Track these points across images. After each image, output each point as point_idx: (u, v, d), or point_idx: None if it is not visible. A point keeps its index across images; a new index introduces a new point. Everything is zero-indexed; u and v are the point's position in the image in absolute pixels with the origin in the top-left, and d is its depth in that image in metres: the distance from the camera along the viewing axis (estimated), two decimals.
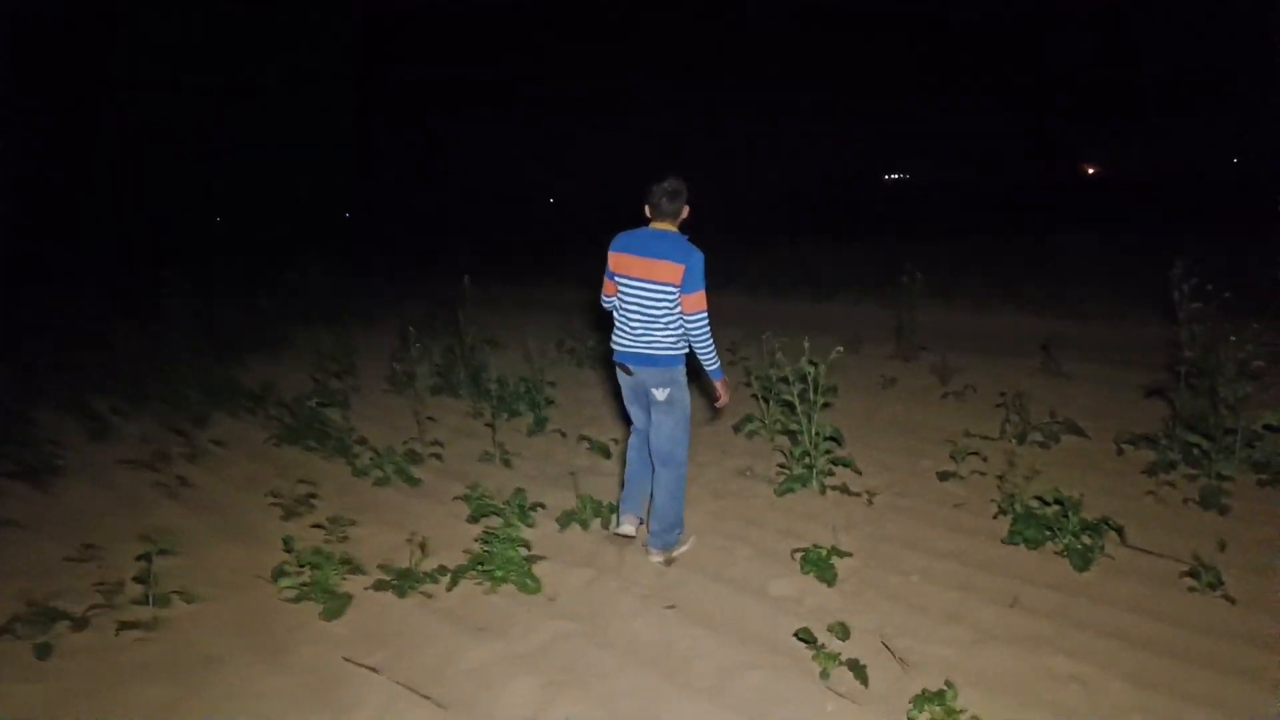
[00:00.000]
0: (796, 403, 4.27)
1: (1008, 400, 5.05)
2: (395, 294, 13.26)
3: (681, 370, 3.30)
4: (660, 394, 3.26)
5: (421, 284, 14.39)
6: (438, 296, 12.13)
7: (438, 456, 4.91)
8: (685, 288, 3.09)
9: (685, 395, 3.33)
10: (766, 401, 5.15)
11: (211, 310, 9.13)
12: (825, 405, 4.34)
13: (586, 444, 5.05)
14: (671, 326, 3.19)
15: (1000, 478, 4.02)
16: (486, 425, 5.23)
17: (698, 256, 3.10)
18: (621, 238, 3.25)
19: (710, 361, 3.26)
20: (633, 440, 3.60)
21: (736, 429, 5.33)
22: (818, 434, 4.22)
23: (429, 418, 5.29)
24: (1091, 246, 13.43)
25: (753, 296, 12.81)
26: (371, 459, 4.63)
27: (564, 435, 5.34)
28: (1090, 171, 48.01)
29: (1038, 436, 4.85)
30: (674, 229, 3.21)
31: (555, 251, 17.95)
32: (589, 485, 4.36)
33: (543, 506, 4.06)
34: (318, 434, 5.04)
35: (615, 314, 3.35)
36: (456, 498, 4.14)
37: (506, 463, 4.82)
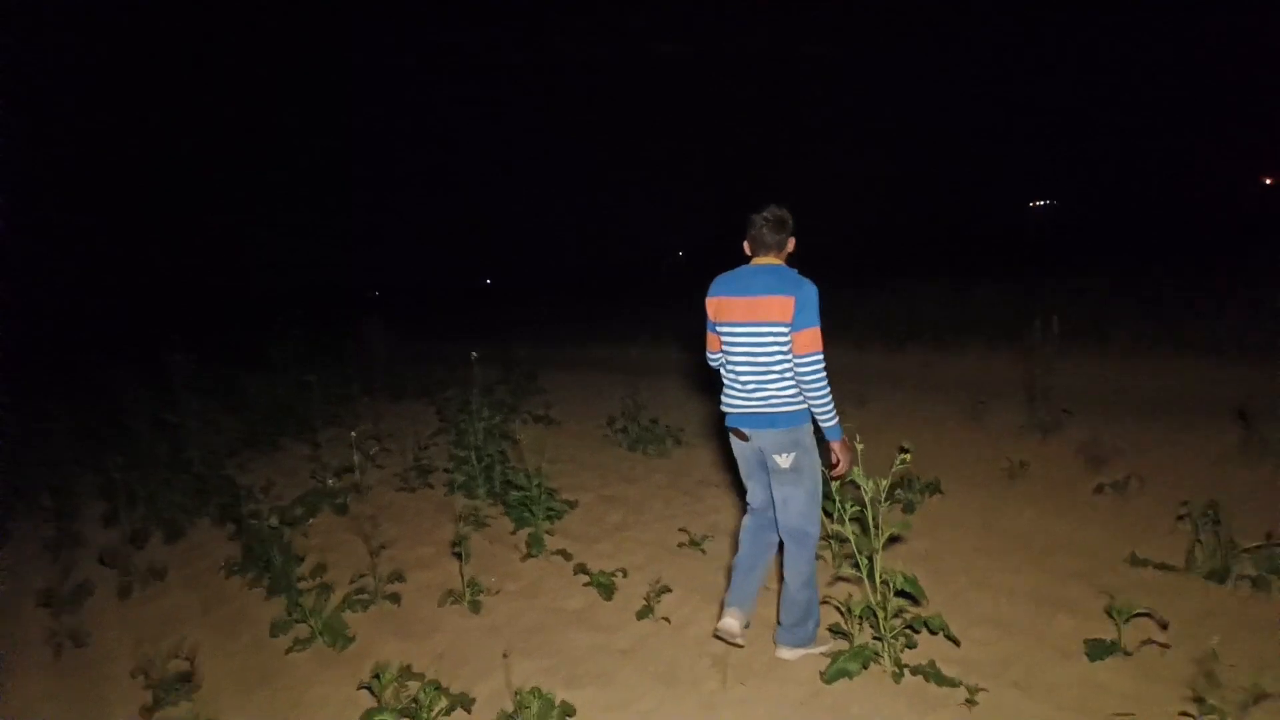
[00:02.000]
0: (849, 535, 2.85)
1: (1192, 509, 3.40)
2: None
3: (807, 429, 2.79)
4: (784, 460, 2.78)
5: (507, 346, 13.86)
6: (513, 361, 11.47)
7: (392, 599, 3.81)
8: (796, 324, 2.65)
9: (815, 459, 2.84)
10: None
11: (249, 386, 8.70)
12: (892, 541, 2.90)
13: (585, 577, 3.81)
14: (788, 376, 2.73)
15: (1198, 662, 2.46)
16: (476, 537, 4.13)
17: (810, 288, 2.68)
18: (719, 281, 2.85)
19: (827, 416, 2.76)
20: (748, 522, 3.07)
21: None
22: (884, 583, 2.79)
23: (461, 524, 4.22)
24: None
25: (861, 350, 11.21)
26: (298, 610, 3.59)
27: (568, 558, 4.14)
28: (1268, 183, 42.22)
29: (1248, 570, 3.18)
30: (780, 262, 2.81)
31: (668, 306, 17.01)
32: (562, 649, 3.14)
33: (467, 708, 2.83)
34: (262, 564, 4.10)
35: (723, 371, 2.92)
36: (363, 685, 2.98)
37: (475, 606, 3.66)
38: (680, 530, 4.32)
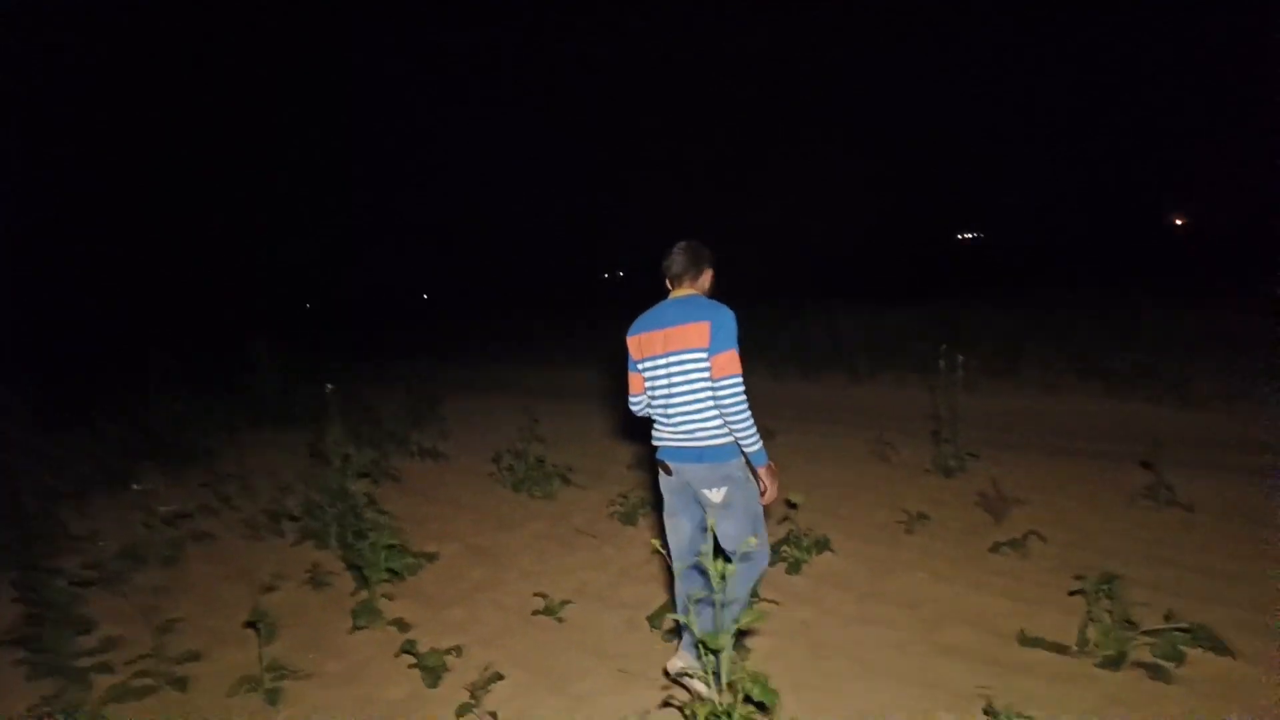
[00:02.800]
0: (692, 626, 2.40)
1: (1087, 584, 3.08)
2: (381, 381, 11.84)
3: (738, 464, 2.67)
4: (714, 495, 2.65)
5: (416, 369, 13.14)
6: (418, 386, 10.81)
7: (177, 685, 3.20)
8: (713, 348, 2.58)
9: (749, 490, 2.70)
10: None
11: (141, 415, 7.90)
12: (742, 635, 2.47)
13: (411, 658, 3.26)
14: (713, 406, 2.62)
15: None
16: (311, 600, 3.53)
17: (726, 312, 2.62)
18: (638, 320, 2.79)
19: (750, 440, 2.62)
20: (679, 587, 2.87)
21: (651, 621, 3.49)
22: (730, 685, 2.34)
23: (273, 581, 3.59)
24: (1191, 310, 11.03)
25: (778, 377, 10.99)
26: (55, 700, 2.95)
27: (404, 629, 3.59)
28: (1178, 223, 44.33)
29: (1145, 656, 2.86)
30: (696, 293, 2.75)
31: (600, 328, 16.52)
32: None
33: None
34: (33, 639, 3.43)
35: (650, 408, 2.81)
36: None
37: (272, 697, 3.07)
38: (537, 595, 3.82)
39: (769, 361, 11.20)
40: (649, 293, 2.95)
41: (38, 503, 5.52)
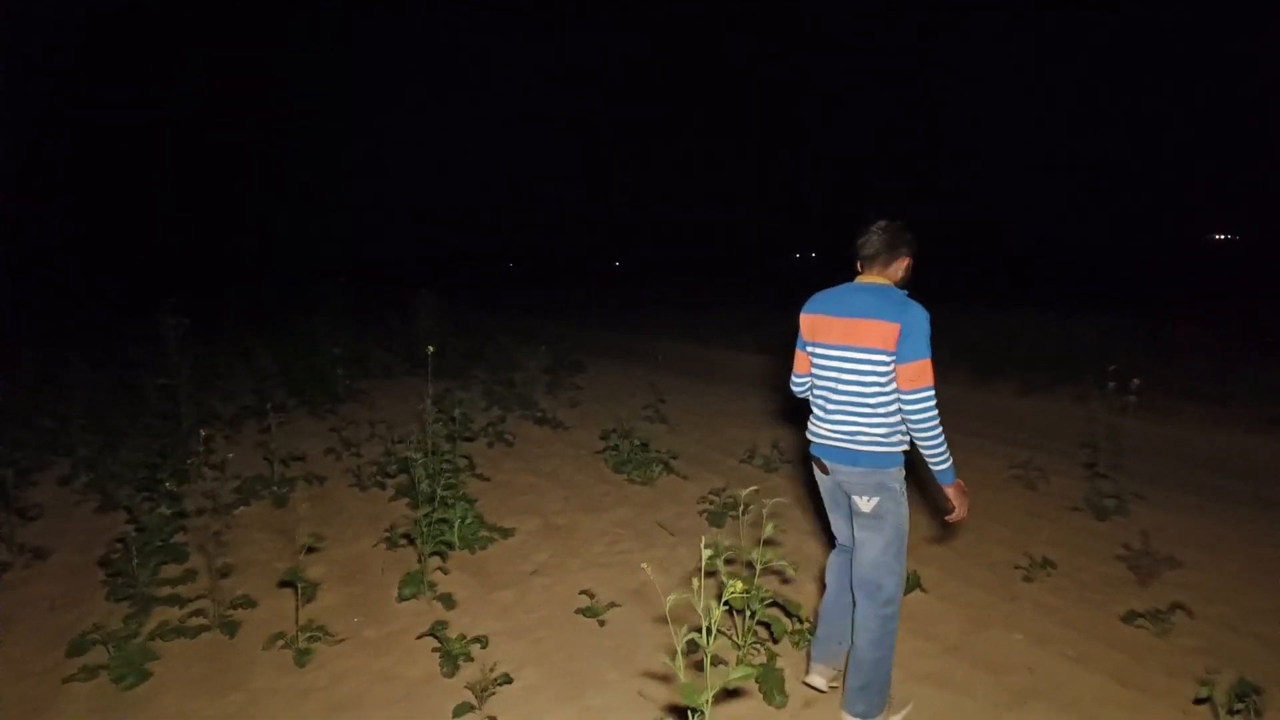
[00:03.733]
0: (679, 673, 2.11)
1: (1215, 694, 2.42)
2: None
3: (896, 473, 2.47)
4: (865, 503, 2.47)
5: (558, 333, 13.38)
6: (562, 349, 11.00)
7: (228, 629, 3.34)
8: (902, 355, 2.34)
9: (901, 507, 2.49)
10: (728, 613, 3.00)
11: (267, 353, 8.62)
12: (729, 695, 2.15)
13: (435, 641, 3.19)
14: (882, 411, 2.42)
15: None
16: (383, 559, 3.58)
17: (919, 313, 2.35)
18: (817, 297, 2.56)
19: (939, 458, 2.42)
20: (833, 559, 2.78)
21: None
22: None
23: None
24: None
25: (943, 378, 9.97)
26: (100, 630, 3.15)
27: (450, 606, 3.55)
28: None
29: None
30: (887, 283, 2.49)
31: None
32: None
33: None
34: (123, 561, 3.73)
35: (811, 396, 2.63)
36: None
37: (301, 658, 3.11)
38: (583, 593, 3.64)
39: (940, 361, 10.25)
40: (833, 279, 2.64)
41: (193, 426, 6.11)
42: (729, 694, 2.84)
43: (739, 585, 3.03)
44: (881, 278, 2.51)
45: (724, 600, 2.82)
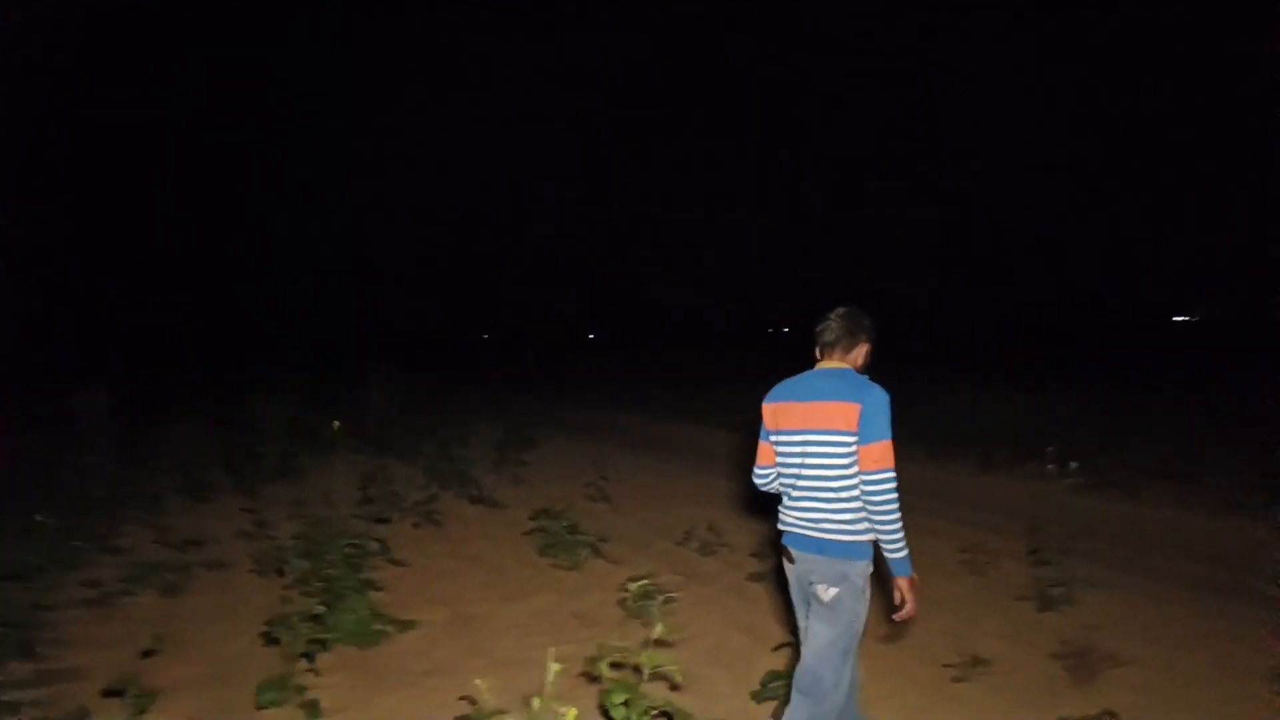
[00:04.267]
0: None
1: None
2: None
3: (863, 567, 2.38)
4: (824, 592, 2.38)
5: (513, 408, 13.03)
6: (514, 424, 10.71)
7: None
8: (864, 436, 2.29)
9: (859, 604, 2.38)
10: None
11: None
12: None
13: None
14: (845, 496, 2.35)
15: None
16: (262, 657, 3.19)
17: (879, 394, 2.33)
18: (779, 386, 2.57)
19: (896, 545, 2.32)
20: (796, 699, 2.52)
21: None
22: None
23: None
24: None
25: (901, 457, 9.73)
26: None
27: (311, 714, 3.18)
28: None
29: None
30: (847, 366, 2.48)
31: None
32: None
33: None
34: None
35: (779, 485, 2.60)
36: None
37: None
38: (463, 698, 3.29)
39: (902, 437, 10.02)
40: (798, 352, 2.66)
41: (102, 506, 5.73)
42: None
43: (620, 695, 2.72)
44: (842, 363, 2.50)
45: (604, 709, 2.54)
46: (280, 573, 4.91)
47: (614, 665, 3.11)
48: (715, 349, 31.03)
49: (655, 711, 2.70)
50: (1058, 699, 3.31)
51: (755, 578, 4.90)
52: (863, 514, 2.35)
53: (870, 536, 2.37)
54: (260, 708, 3.22)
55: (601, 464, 7.86)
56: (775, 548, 4.63)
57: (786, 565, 2.58)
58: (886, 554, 2.36)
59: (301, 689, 3.35)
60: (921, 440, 9.74)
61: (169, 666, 3.65)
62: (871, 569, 2.41)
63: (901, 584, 2.36)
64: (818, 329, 2.53)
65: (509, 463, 9.02)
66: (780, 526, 2.57)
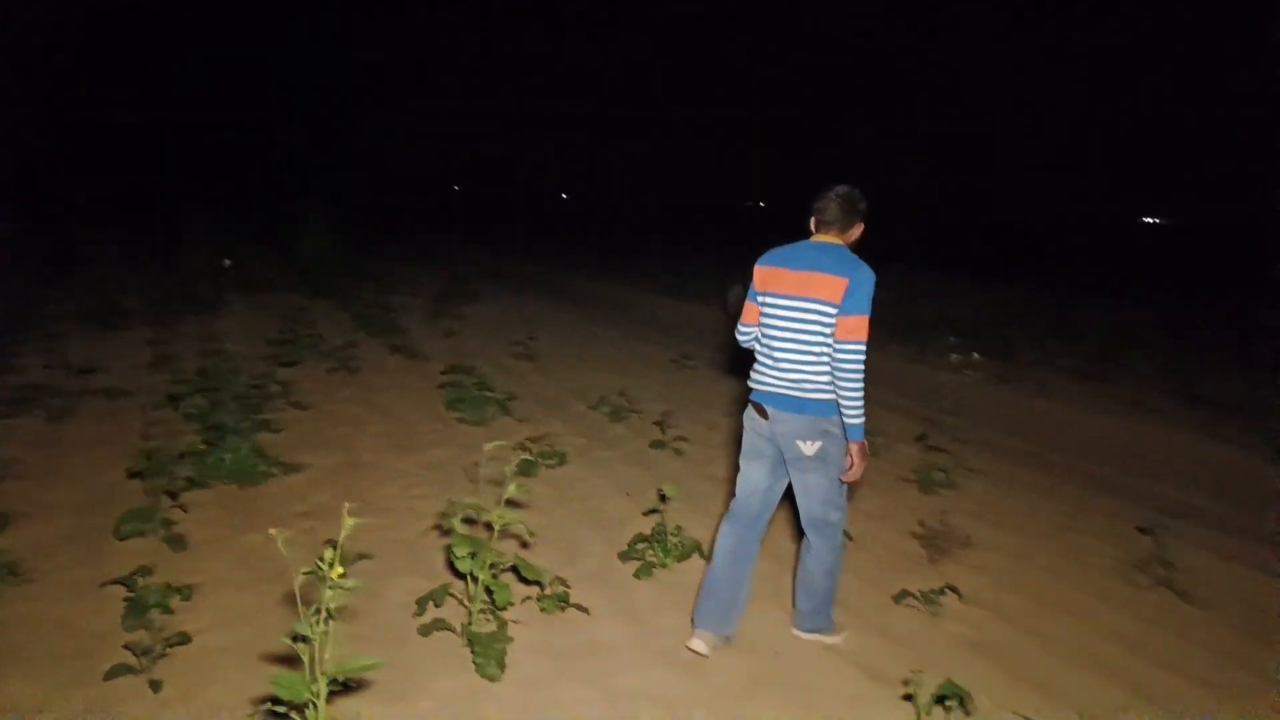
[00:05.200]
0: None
1: (917, 690, 2.22)
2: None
3: (838, 421, 2.59)
4: (809, 447, 2.60)
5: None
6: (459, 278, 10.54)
7: None
8: (845, 309, 2.45)
9: (841, 449, 2.62)
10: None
11: None
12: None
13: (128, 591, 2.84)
14: (826, 360, 2.53)
15: None
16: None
17: (866, 272, 2.49)
18: (772, 252, 2.68)
19: (855, 411, 2.52)
20: (726, 528, 2.83)
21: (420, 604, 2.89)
22: None
23: None
24: None
25: None
26: None
27: (174, 546, 3.20)
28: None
29: None
30: (840, 243, 2.61)
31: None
32: None
33: None
34: None
35: (757, 346, 2.73)
36: None
37: None
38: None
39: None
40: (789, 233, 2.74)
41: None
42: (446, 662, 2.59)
43: (464, 549, 2.73)
44: (838, 239, 2.62)
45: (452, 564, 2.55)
46: (176, 407, 4.85)
47: (468, 521, 3.15)
48: (692, 222, 30.46)
49: (503, 566, 2.74)
50: (906, 574, 3.45)
51: (657, 444, 4.96)
52: None
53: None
54: (121, 538, 3.22)
55: (535, 323, 7.79)
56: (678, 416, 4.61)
57: (752, 420, 2.74)
58: (845, 419, 2.55)
59: (169, 523, 3.36)
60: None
61: (35, 491, 3.63)
62: (841, 421, 2.58)
63: (853, 448, 2.58)
64: (817, 205, 2.63)
65: (445, 315, 8.91)
66: (754, 385, 2.70)
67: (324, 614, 1.82)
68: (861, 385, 2.49)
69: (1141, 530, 3.67)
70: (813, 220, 2.67)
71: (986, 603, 3.26)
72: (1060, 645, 2.99)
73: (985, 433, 5.70)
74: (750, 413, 2.75)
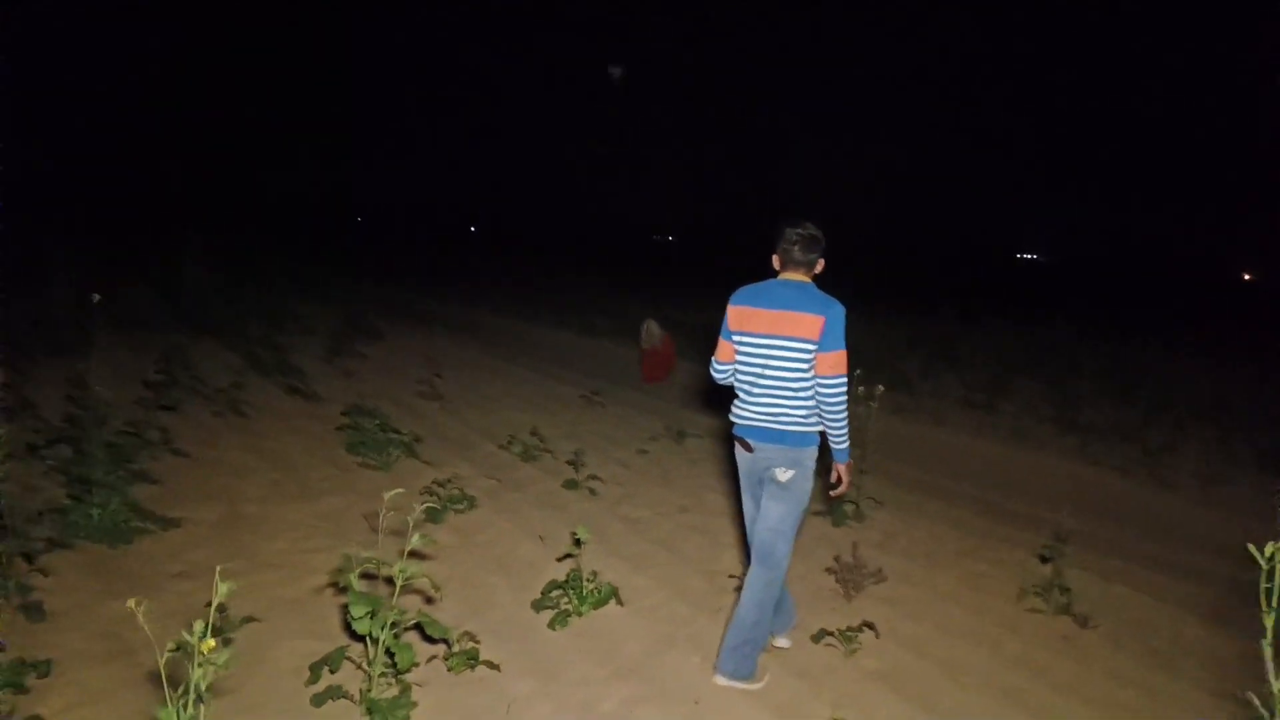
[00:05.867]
0: None
1: None
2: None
3: (812, 452, 2.79)
4: (781, 474, 2.75)
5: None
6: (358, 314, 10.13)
7: None
8: (824, 345, 2.63)
9: (808, 484, 2.81)
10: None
11: None
12: None
13: None
14: (803, 395, 2.72)
15: None
16: None
17: (839, 309, 2.67)
18: (744, 291, 2.80)
19: (842, 439, 2.77)
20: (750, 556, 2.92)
21: (314, 672, 2.67)
22: None
23: None
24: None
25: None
26: None
27: (31, 616, 2.86)
28: (1245, 277, 42.16)
29: None
30: (808, 280, 2.75)
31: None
32: None
33: None
34: None
35: (735, 382, 2.85)
36: None
37: None
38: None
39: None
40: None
41: None
42: None
43: (361, 609, 2.54)
44: (805, 277, 2.75)
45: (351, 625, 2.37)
46: (43, 458, 4.39)
47: (367, 576, 2.95)
48: (600, 256, 30.54)
49: (405, 625, 2.56)
50: (827, 610, 3.46)
51: (570, 484, 4.84)
52: (814, 410, 2.72)
53: (819, 428, 2.76)
54: None
55: (441, 360, 7.56)
56: (582, 457, 4.52)
57: (741, 455, 2.89)
58: (833, 444, 2.78)
59: (27, 589, 3.00)
60: None
61: None
62: (817, 454, 2.79)
63: (840, 468, 2.85)
64: (783, 245, 2.73)
65: (344, 354, 8.52)
66: (736, 420, 2.85)
67: (193, 695, 1.62)
68: (846, 414, 2.71)
69: (1044, 559, 3.80)
70: (776, 259, 2.78)
71: (898, 635, 3.30)
72: (967, 674, 3.04)
73: (890, 463, 5.85)
74: (737, 448, 2.90)
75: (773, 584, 2.81)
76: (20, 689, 2.44)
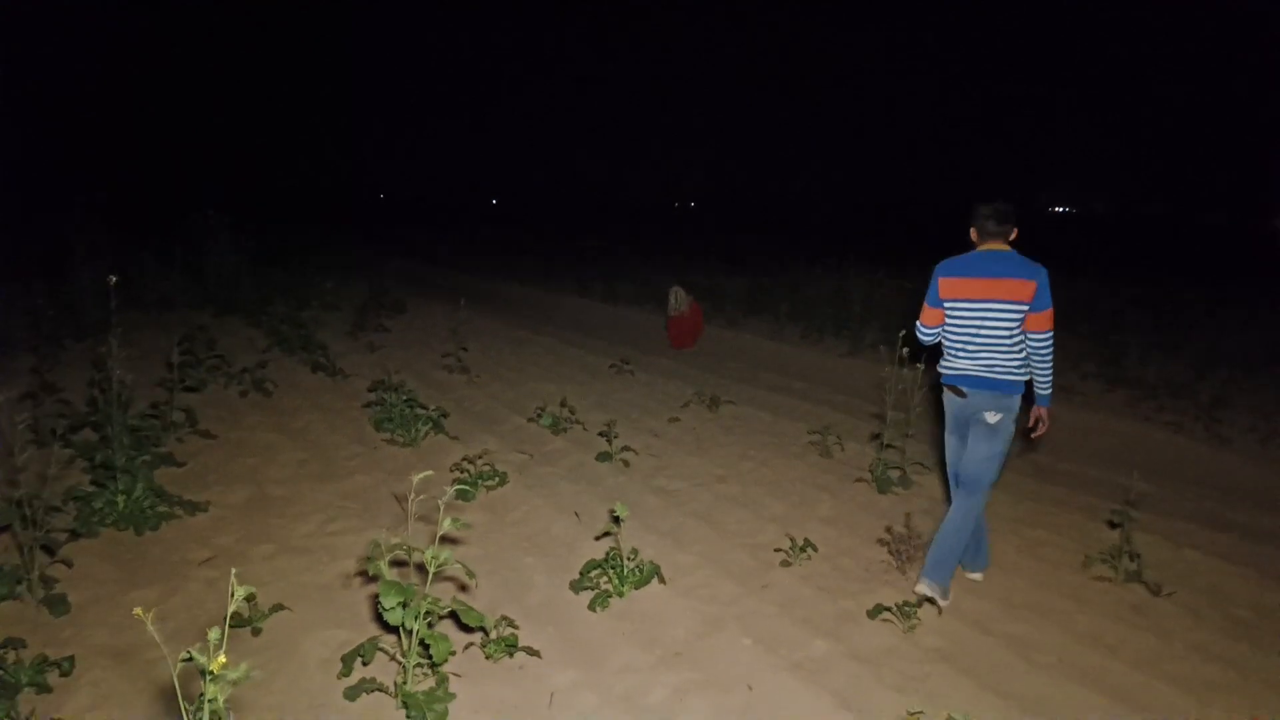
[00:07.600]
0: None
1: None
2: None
3: (1018, 400, 3.11)
4: (991, 417, 3.10)
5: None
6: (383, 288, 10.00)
7: None
8: (1036, 305, 2.98)
9: (1013, 427, 3.13)
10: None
11: None
12: None
13: None
14: (1017, 349, 3.06)
15: None
16: None
17: (1044, 272, 2.98)
18: (952, 263, 3.14)
19: (1047, 385, 3.13)
20: (953, 490, 3.30)
21: (346, 662, 2.54)
22: None
23: None
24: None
25: (778, 337, 9.68)
26: None
27: (54, 609, 2.76)
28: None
29: None
30: (1009, 249, 3.08)
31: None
32: None
33: None
34: None
35: (945, 340, 3.21)
36: None
37: None
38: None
39: (774, 318, 9.89)
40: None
41: None
42: None
43: (393, 599, 2.39)
44: (1004, 245, 3.07)
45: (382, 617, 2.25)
46: (67, 443, 4.31)
47: (397, 563, 2.81)
48: (625, 223, 30.14)
49: (439, 614, 2.42)
50: (880, 583, 3.28)
51: (603, 457, 4.68)
52: (1024, 361, 3.05)
53: (1026, 377, 3.06)
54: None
55: (465, 333, 7.39)
56: (606, 429, 4.30)
57: (950, 401, 3.24)
58: (1038, 389, 3.12)
59: (50, 581, 2.91)
60: (799, 320, 9.72)
61: None
62: (1020, 402, 3.07)
63: (1042, 411, 3.17)
64: (982, 220, 3.07)
65: (368, 328, 8.41)
66: (948, 371, 3.19)
67: (207, 713, 1.47)
68: (1053, 363, 3.06)
69: (1112, 525, 3.57)
70: (974, 231, 3.12)
71: (959, 610, 3.11)
72: (1038, 652, 2.84)
73: (933, 427, 5.61)
74: (948, 394, 3.23)
75: (971, 512, 3.11)
76: (44, 689, 2.34)
